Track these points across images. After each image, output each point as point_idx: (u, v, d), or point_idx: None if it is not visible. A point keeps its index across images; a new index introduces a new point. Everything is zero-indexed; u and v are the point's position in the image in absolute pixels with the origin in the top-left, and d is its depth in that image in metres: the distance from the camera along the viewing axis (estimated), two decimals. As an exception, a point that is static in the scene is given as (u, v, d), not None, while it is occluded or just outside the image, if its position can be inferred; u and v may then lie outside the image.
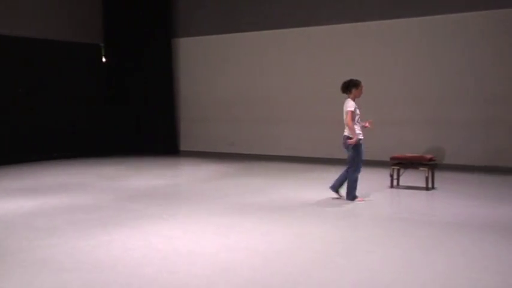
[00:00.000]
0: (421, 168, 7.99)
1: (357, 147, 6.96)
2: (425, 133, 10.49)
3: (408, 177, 8.09)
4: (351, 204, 6.98)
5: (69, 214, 6.57)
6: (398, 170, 8.20)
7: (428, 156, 8.14)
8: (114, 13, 13.49)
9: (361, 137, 6.99)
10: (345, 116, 6.99)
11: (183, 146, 13.53)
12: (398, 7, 10.62)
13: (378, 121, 10.85)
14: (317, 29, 11.54)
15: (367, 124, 7.17)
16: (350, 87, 7.02)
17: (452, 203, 7.04)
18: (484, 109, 9.96)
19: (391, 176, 8.16)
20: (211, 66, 12.98)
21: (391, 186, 8.15)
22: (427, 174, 7.89)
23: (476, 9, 9.94)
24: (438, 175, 8.34)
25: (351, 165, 7.05)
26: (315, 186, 8.38)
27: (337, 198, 7.24)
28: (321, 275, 4.30)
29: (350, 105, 6.94)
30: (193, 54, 13.22)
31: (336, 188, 7.26)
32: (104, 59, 13.68)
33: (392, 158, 8.27)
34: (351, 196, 7.12)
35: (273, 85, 12.18)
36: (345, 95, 7.09)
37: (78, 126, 12.79)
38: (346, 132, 7.03)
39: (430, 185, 7.92)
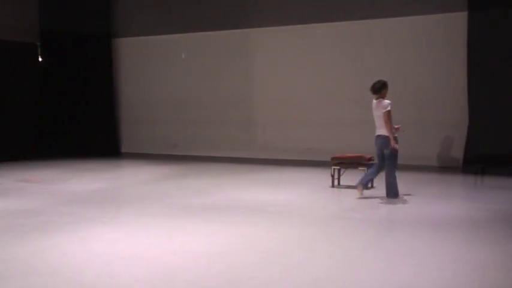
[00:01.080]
0: (360, 168, 8.19)
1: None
2: (366, 133, 10.74)
3: (349, 177, 8.27)
4: (294, 205, 7.07)
5: (5, 219, 6.32)
6: (339, 170, 8.37)
7: (368, 156, 8.34)
8: (51, 11, 13.07)
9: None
10: (379, 115, 7.09)
11: (125, 148, 13.29)
12: (329, 11, 10.88)
13: (320, 121, 11.17)
14: (256, 30, 11.63)
15: (396, 127, 7.26)
16: (382, 89, 7.17)
17: (390, 201, 7.25)
18: (417, 110, 10.33)
19: (332, 176, 8.32)
20: (152, 67, 12.82)
21: (332, 186, 8.30)
22: (366, 174, 8.11)
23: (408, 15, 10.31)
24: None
25: (390, 162, 7.13)
26: (258, 187, 8.45)
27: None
28: (264, 275, 4.34)
29: (388, 105, 7.04)
30: (134, 55, 13.02)
31: (365, 183, 7.37)
32: (40, 59, 13.23)
33: (333, 158, 8.43)
34: (393, 193, 7.19)
35: (214, 86, 12.17)
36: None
37: (12, 128, 12.29)
38: (380, 132, 7.13)
39: (369, 185, 8.11)
